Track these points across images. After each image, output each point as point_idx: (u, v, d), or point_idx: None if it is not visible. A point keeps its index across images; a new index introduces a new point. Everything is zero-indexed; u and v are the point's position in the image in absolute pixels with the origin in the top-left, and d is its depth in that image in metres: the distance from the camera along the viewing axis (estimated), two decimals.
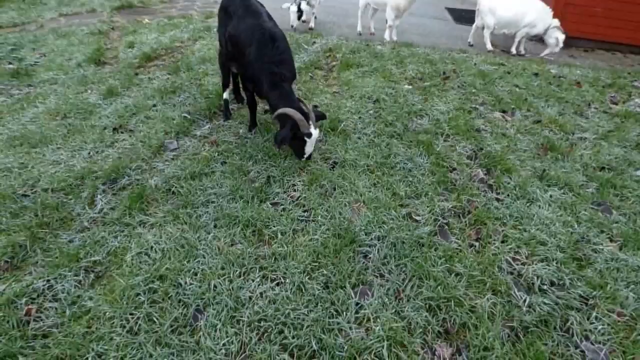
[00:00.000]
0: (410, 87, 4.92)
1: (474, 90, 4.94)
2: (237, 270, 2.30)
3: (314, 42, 6.29)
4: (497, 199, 3.06)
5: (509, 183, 3.23)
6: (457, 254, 2.53)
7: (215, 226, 2.62)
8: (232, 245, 2.50)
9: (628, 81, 5.76)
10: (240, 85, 4.15)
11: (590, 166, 3.57)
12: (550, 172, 3.39)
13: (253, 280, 2.26)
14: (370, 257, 2.46)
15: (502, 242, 2.68)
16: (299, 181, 3.08)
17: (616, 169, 3.54)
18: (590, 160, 3.65)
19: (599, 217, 2.94)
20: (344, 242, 2.53)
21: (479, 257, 2.53)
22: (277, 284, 2.26)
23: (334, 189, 3.04)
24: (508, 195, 3.11)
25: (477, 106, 4.54)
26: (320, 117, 3.34)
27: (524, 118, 4.39)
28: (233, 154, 3.38)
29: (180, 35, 6.32)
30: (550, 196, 3.13)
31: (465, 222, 2.82)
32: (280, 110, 3.00)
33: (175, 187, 2.94)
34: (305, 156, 3.22)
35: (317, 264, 2.38)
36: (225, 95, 3.96)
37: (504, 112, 4.49)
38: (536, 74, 5.73)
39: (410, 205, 2.94)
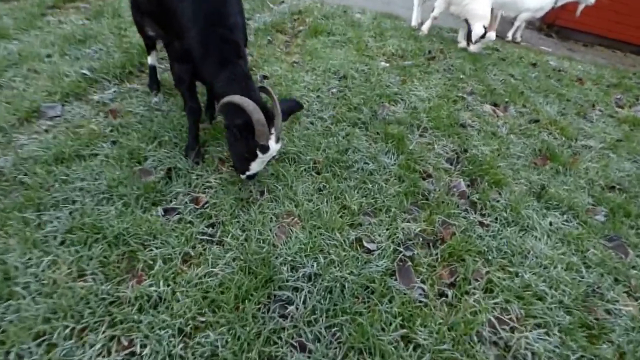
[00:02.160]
0: (388, 65, 4.05)
1: (462, 76, 4.10)
2: (68, 327, 1.43)
3: (282, 2, 5.29)
4: (482, 224, 2.27)
5: (498, 201, 2.44)
6: (421, 310, 1.74)
7: (62, 242, 1.72)
8: (79, 277, 1.61)
9: (634, 82, 5.05)
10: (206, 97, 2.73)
11: (597, 184, 2.83)
12: (550, 188, 2.63)
13: (91, 347, 1.39)
14: (290, 312, 1.63)
15: (485, 291, 1.90)
16: (214, 179, 2.20)
17: (629, 191, 2.81)
18: (597, 176, 2.91)
19: (612, 259, 2.20)
20: (256, 283, 1.69)
21: (451, 315, 1.75)
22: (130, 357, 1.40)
23: (261, 194, 2.18)
24: (496, 218, 2.32)
25: (465, 95, 3.72)
26: (291, 110, 2.19)
27: (519, 115, 3.60)
28: (132, 131, 2.44)
29: None
30: (551, 224, 2.37)
31: (437, 255, 2.03)
32: (230, 98, 1.84)
33: (28, 174, 2.01)
34: (247, 174, 2.08)
35: (203, 320, 1.53)
36: (150, 60, 2.92)
37: (495, 105, 3.69)
38: (534, 64, 4.95)
39: (364, 225, 2.11)
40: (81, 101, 2.70)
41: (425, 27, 5.15)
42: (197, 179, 2.18)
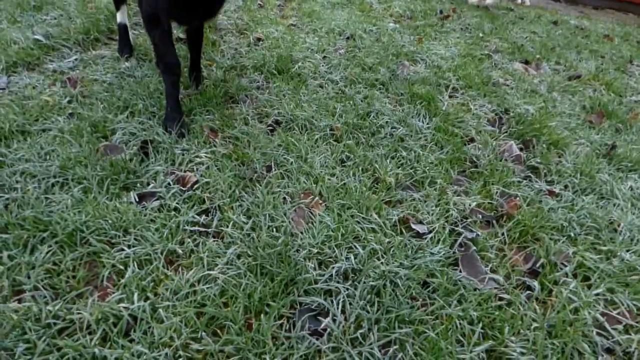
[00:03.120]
0: (398, 25, 3.53)
1: (482, 35, 3.60)
2: None
3: None
4: (551, 193, 1.78)
5: (562, 164, 1.95)
6: (504, 311, 1.24)
7: None
8: (14, 295, 1.09)
9: None
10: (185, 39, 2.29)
11: None
12: (618, 148, 2.15)
13: None
14: (325, 326, 1.12)
15: (579, 278, 1.41)
16: (205, 153, 1.68)
17: None
18: None
19: None
20: (273, 288, 1.18)
21: (545, 315, 1.26)
22: None
23: (268, 169, 1.67)
24: (566, 186, 1.84)
25: (491, 53, 3.22)
26: None
27: (555, 72, 3.12)
28: (97, 100, 1.91)
29: None
30: (632, 188, 1.89)
31: (504, 235, 1.54)
32: None
33: None
34: None
35: (199, 349, 1.02)
36: (120, 17, 2.38)
37: (526, 62, 3.19)
38: (555, 22, 4.46)
39: (405, 201, 1.61)
40: (33, 71, 2.16)
41: None
42: (182, 154, 1.66)
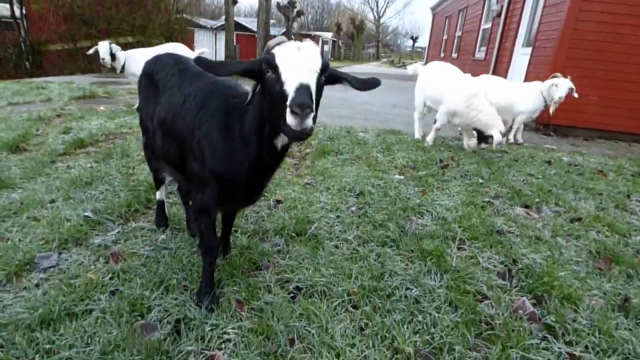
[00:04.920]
0: (402, 177, 3.90)
1: (481, 181, 3.93)
2: None
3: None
4: (572, 356, 1.80)
5: (577, 321, 1.99)
6: None
7: None
8: None
9: None
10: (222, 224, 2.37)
11: None
12: (632, 298, 2.19)
13: None
14: None
15: None
16: (232, 329, 1.80)
17: None
18: None
19: None
20: None
21: None
22: None
23: (291, 343, 1.76)
24: (586, 347, 1.85)
25: (491, 200, 3.48)
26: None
27: (556, 215, 3.31)
28: (135, 276, 2.12)
29: (132, 121, 5.42)
30: None
31: None
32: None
33: (5, 346, 1.63)
34: (289, 104, 1.34)
35: None
36: (159, 195, 2.72)
37: (527, 207, 3.42)
38: (548, 162, 4.84)
39: None
40: (81, 247, 2.43)
41: (429, 139, 5.20)
42: (211, 330, 1.78)
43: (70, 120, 5.45)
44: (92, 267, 2.22)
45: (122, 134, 4.93)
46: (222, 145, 1.77)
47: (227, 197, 1.87)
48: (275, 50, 1.46)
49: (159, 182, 2.69)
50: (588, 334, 1.90)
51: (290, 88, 1.35)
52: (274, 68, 1.42)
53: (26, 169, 3.55)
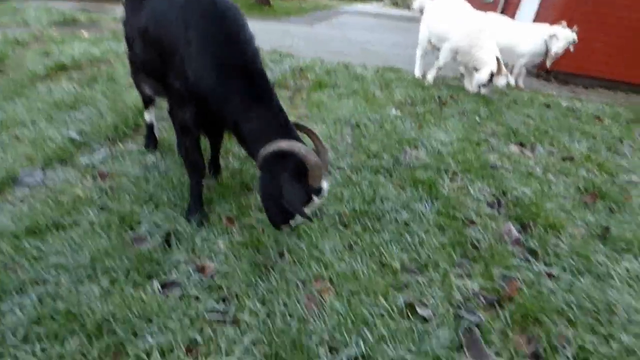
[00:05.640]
0: (399, 112, 3.83)
1: (478, 120, 3.88)
2: None
3: (283, 61, 5.24)
4: (550, 275, 1.86)
5: (559, 247, 2.04)
6: None
7: (25, 338, 1.29)
8: None
9: None
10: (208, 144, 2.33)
11: None
12: (612, 229, 2.24)
13: None
14: None
15: None
16: (223, 242, 1.81)
17: None
18: None
19: None
20: None
21: None
22: None
23: (281, 256, 1.78)
24: (564, 268, 1.91)
25: (487, 137, 3.45)
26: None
27: (549, 154, 3.31)
28: (124, 193, 2.10)
29: (119, 48, 5.17)
30: (627, 269, 1.95)
31: (505, 318, 1.59)
32: (277, 146, 1.56)
33: None
34: (293, 223, 1.72)
35: None
36: (148, 116, 2.66)
37: (522, 145, 3.41)
38: (547, 105, 4.78)
39: (411, 286, 1.70)
40: (66, 166, 2.38)
41: (430, 77, 5.05)
42: (201, 243, 1.80)
43: (50, 44, 5.17)
44: (80, 184, 2.19)
45: (108, 61, 4.71)
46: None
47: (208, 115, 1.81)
48: None
49: (147, 103, 2.60)
50: (567, 257, 1.96)
51: None
52: None
53: (3, 90, 3.40)
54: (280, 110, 1.72)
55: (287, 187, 1.61)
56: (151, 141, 2.64)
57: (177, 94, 1.79)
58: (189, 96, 1.74)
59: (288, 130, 1.67)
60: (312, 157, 1.53)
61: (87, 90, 3.54)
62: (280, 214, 1.68)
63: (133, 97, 3.36)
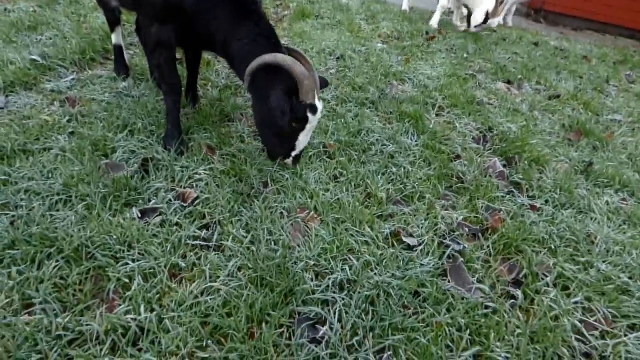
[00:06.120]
0: (385, 45, 3.67)
1: (466, 55, 3.77)
2: None
3: None
4: (532, 207, 1.89)
5: (543, 180, 2.07)
6: (490, 318, 1.32)
7: (0, 262, 1.24)
8: (25, 308, 1.13)
9: (638, 59, 4.84)
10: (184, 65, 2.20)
11: (639, 159, 2.50)
12: (595, 165, 2.27)
13: None
14: (323, 334, 1.19)
15: (558, 287, 1.50)
16: (204, 170, 1.74)
17: None
18: (637, 150, 2.58)
19: None
20: (273, 298, 1.24)
21: (528, 322, 1.34)
22: None
23: (265, 185, 1.74)
24: (546, 200, 1.94)
25: (474, 73, 3.37)
26: (322, 83, 1.82)
27: (536, 92, 3.28)
28: (96, 119, 1.97)
29: None
30: (607, 203, 2.00)
31: (489, 247, 1.63)
32: (262, 60, 1.49)
33: None
34: (295, 152, 1.72)
35: (205, 357, 1.07)
36: (115, 38, 2.43)
37: (509, 82, 3.35)
38: (535, 44, 4.67)
39: (396, 215, 1.70)
40: (31, 91, 2.20)
41: (434, 21, 4.60)
42: (181, 171, 1.72)
43: None
44: (46, 109, 2.04)
45: None
46: None
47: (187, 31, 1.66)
48: None
49: (112, 23, 2.38)
50: (550, 191, 1.99)
51: None
52: None
53: None
54: (271, 28, 1.62)
55: (269, 113, 1.56)
56: (121, 66, 2.45)
57: (152, 6, 1.63)
58: (168, 9, 1.58)
59: (278, 50, 1.57)
60: (298, 67, 1.47)
61: (48, 11, 3.21)
62: (279, 144, 1.65)
63: (99, 20, 3.08)
